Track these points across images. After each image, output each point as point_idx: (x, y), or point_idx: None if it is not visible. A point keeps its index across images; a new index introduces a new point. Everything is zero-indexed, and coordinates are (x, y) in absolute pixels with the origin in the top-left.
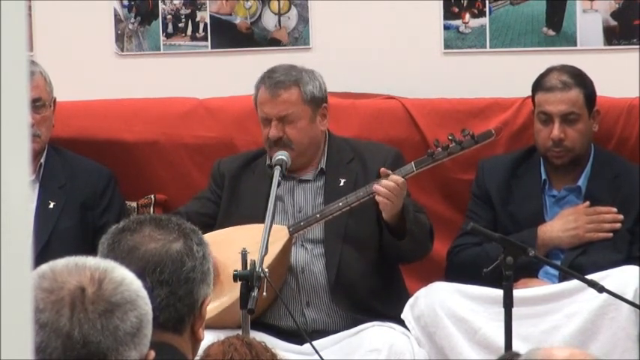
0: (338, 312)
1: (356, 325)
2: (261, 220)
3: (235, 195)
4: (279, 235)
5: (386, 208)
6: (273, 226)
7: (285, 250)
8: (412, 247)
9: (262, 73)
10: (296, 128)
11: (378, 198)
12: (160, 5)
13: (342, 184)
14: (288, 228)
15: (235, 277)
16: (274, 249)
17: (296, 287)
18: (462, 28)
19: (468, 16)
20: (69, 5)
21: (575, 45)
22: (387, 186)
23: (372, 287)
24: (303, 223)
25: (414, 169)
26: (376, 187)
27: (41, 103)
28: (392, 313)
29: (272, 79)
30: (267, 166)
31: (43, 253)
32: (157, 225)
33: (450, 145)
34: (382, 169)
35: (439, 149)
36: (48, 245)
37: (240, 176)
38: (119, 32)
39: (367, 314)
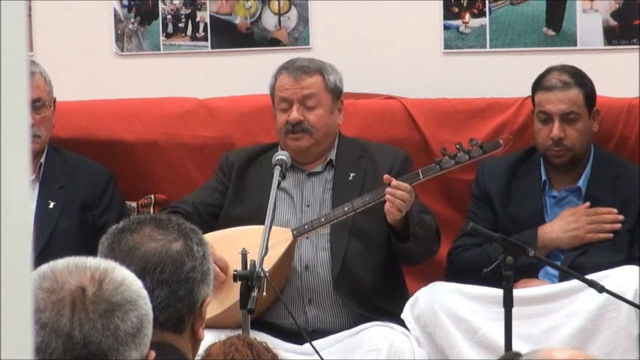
0: (340, 308)
1: (357, 322)
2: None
3: (242, 186)
4: (283, 237)
5: (394, 215)
6: (278, 228)
7: (289, 253)
8: (417, 249)
9: (281, 64)
10: (317, 115)
11: (386, 208)
12: (160, 5)
13: (351, 178)
14: (292, 231)
15: (235, 277)
16: (278, 251)
17: (299, 285)
18: (462, 28)
19: (468, 16)
20: (69, 5)
21: (575, 45)
22: (400, 195)
23: (374, 282)
24: (308, 226)
25: (421, 176)
26: (389, 197)
27: (41, 104)
28: (392, 310)
29: (295, 65)
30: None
31: (43, 253)
32: (157, 225)
33: (458, 154)
34: (386, 176)
35: (447, 158)
36: (48, 245)
37: (248, 167)
38: (119, 32)
39: (368, 310)
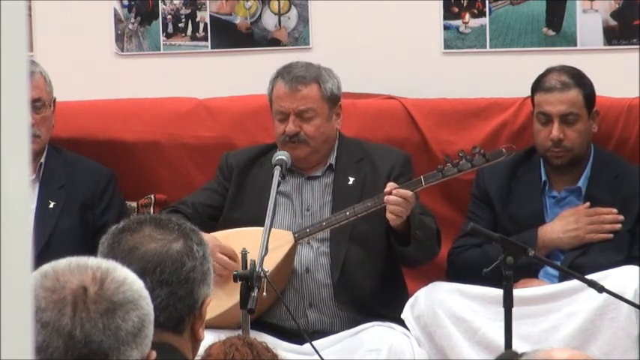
0: (340, 313)
1: (357, 326)
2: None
3: (242, 188)
4: (284, 240)
5: (394, 221)
6: (280, 230)
7: (290, 256)
8: (418, 252)
9: (278, 69)
10: (314, 125)
11: (388, 215)
12: (160, 5)
13: (350, 182)
14: (294, 234)
15: (235, 277)
16: (279, 254)
17: (300, 288)
18: (462, 28)
19: (468, 16)
20: (69, 5)
21: (575, 45)
22: (394, 201)
23: (374, 288)
24: (309, 229)
25: (423, 183)
26: (389, 206)
27: (41, 103)
28: (392, 315)
29: (291, 74)
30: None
31: (43, 253)
32: (157, 225)
33: (461, 162)
34: (389, 184)
35: (449, 165)
36: (48, 245)
37: (248, 170)
38: (119, 32)
39: (368, 315)
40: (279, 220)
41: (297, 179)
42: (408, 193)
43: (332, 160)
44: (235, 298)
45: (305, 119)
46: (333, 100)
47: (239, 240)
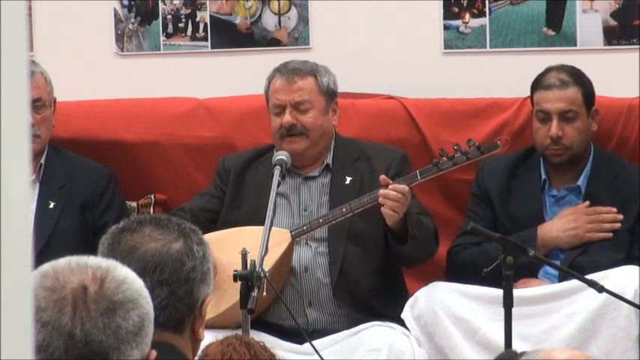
0: (340, 312)
1: (357, 325)
2: (265, 218)
3: (240, 191)
4: (282, 238)
5: (390, 218)
6: (276, 229)
7: (287, 254)
8: (415, 252)
9: (276, 66)
10: (311, 117)
11: (383, 209)
12: (160, 5)
13: (347, 182)
14: (291, 232)
15: (235, 277)
16: (276, 252)
17: (298, 287)
18: (462, 28)
19: (468, 16)
20: (69, 5)
21: (575, 45)
22: (393, 197)
23: (373, 287)
24: (306, 227)
25: (419, 178)
26: (382, 200)
27: (41, 103)
28: (392, 313)
29: (287, 68)
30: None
31: (43, 253)
32: (157, 225)
33: (456, 155)
34: (382, 177)
35: (444, 159)
36: (48, 245)
37: (245, 172)
38: (119, 32)
39: (368, 314)
40: (276, 220)
41: (295, 179)
42: (403, 187)
43: (329, 159)
44: (230, 300)
45: (301, 111)
46: (330, 94)
47: (237, 239)
